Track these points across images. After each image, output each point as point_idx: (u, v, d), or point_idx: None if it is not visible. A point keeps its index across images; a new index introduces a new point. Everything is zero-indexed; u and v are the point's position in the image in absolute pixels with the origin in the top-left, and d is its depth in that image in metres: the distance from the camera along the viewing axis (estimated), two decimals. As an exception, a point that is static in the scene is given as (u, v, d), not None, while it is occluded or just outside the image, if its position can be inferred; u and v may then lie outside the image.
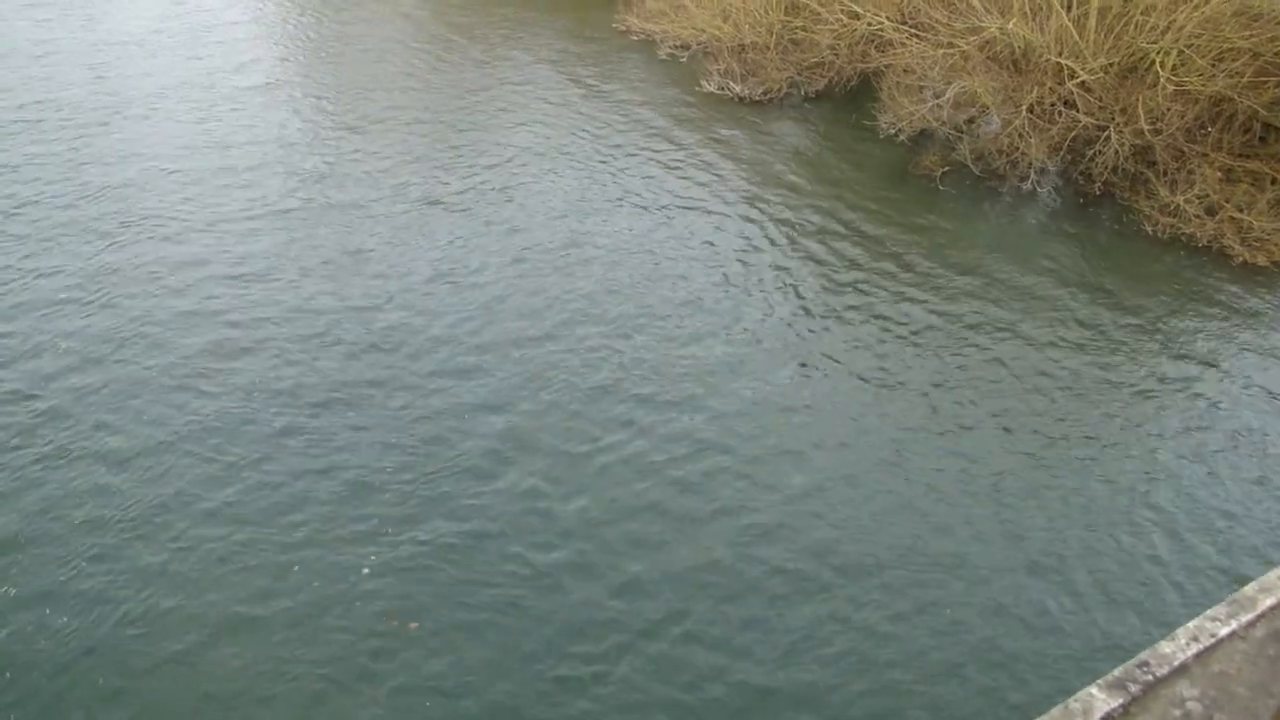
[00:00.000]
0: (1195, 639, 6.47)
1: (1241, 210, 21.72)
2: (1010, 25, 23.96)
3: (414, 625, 12.66)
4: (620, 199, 23.64)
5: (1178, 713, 6.16)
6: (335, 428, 16.07)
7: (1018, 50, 24.89)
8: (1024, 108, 23.98)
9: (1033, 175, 23.88)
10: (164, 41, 35.17)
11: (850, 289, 20.30)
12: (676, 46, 32.53)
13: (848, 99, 28.63)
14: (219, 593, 13.13)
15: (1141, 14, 22.90)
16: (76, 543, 13.86)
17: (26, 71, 31.77)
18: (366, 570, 13.46)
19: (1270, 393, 17.57)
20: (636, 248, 21.57)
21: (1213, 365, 18.31)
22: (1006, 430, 16.51)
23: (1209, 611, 6.68)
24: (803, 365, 18.04)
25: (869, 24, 27.36)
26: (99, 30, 36.35)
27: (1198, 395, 17.53)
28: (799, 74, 29.40)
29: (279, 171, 24.80)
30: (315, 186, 24.04)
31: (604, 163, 25.46)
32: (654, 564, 13.80)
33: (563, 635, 12.74)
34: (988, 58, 25.25)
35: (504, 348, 18.17)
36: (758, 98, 29.03)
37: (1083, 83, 23.54)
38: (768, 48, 29.87)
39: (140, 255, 20.98)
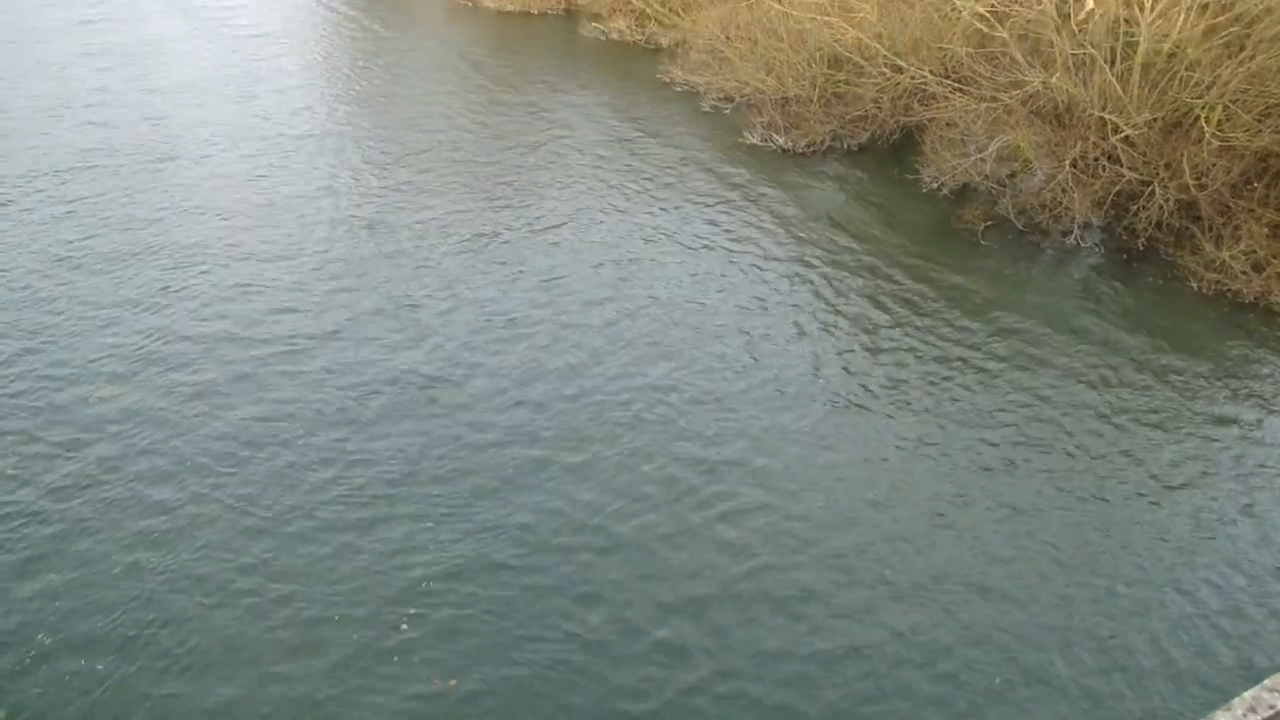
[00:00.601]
0: (1253, 710, 6.42)
1: (1289, 266, 21.58)
2: (1053, 79, 24.06)
3: (452, 683, 12.70)
4: (664, 249, 23.86)
5: (1236, 785, 6.11)
6: (373, 472, 16.26)
7: (1061, 104, 24.97)
8: (1067, 162, 24.01)
9: (1076, 230, 23.85)
10: (218, 90, 36.07)
11: (893, 338, 20.32)
12: (720, 98, 32.90)
13: (890, 152, 28.79)
14: (253, 646, 13.25)
15: (1186, 69, 22.92)
16: (108, 566, 14.12)
17: (84, 117, 32.70)
18: (405, 626, 13.51)
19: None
20: (681, 297, 21.74)
21: (1265, 413, 18.14)
22: (1051, 475, 16.42)
23: (1266, 681, 6.63)
24: (846, 409, 18.10)
25: (912, 77, 27.55)
26: (154, 78, 37.37)
27: (1251, 441, 17.39)
28: (842, 127, 29.62)
29: (327, 219, 25.28)
30: (363, 234, 24.47)
31: (648, 212, 25.73)
32: (696, 597, 13.83)
33: (606, 683, 12.79)
34: (1031, 112, 25.34)
35: (547, 393, 18.34)
36: (801, 150, 29.26)
37: (1126, 138, 23.56)
38: (811, 100, 30.15)
39: (187, 300, 21.43)
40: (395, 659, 13.04)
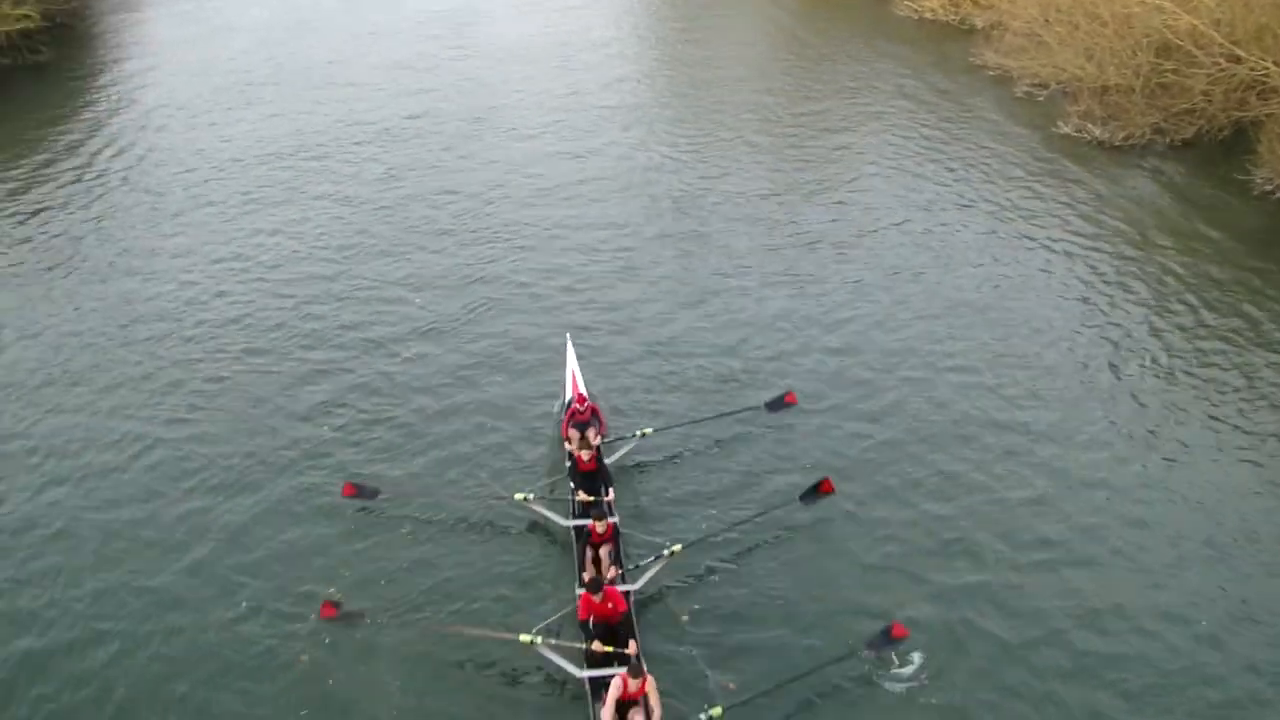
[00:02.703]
0: None
1: None
2: None
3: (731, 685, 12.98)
4: (968, 241, 23.65)
5: None
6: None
7: None
8: None
9: None
10: (536, 58, 38.15)
11: (1214, 355, 19.17)
12: (1034, 84, 31.74)
13: (1219, 149, 26.86)
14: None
15: None
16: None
17: (408, 82, 35.68)
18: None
19: None
20: (981, 290, 21.61)
21: None
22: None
23: None
24: (1158, 422, 17.43)
25: (1251, 69, 25.61)
26: (476, 45, 39.92)
27: None
28: (1165, 120, 27.91)
29: (635, 195, 26.42)
30: (669, 211, 25.43)
31: (955, 203, 25.53)
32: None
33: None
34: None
35: (853, 395, 18.68)
36: (1117, 143, 27.87)
37: None
38: (1132, 90, 28.57)
39: (490, 261, 23.33)
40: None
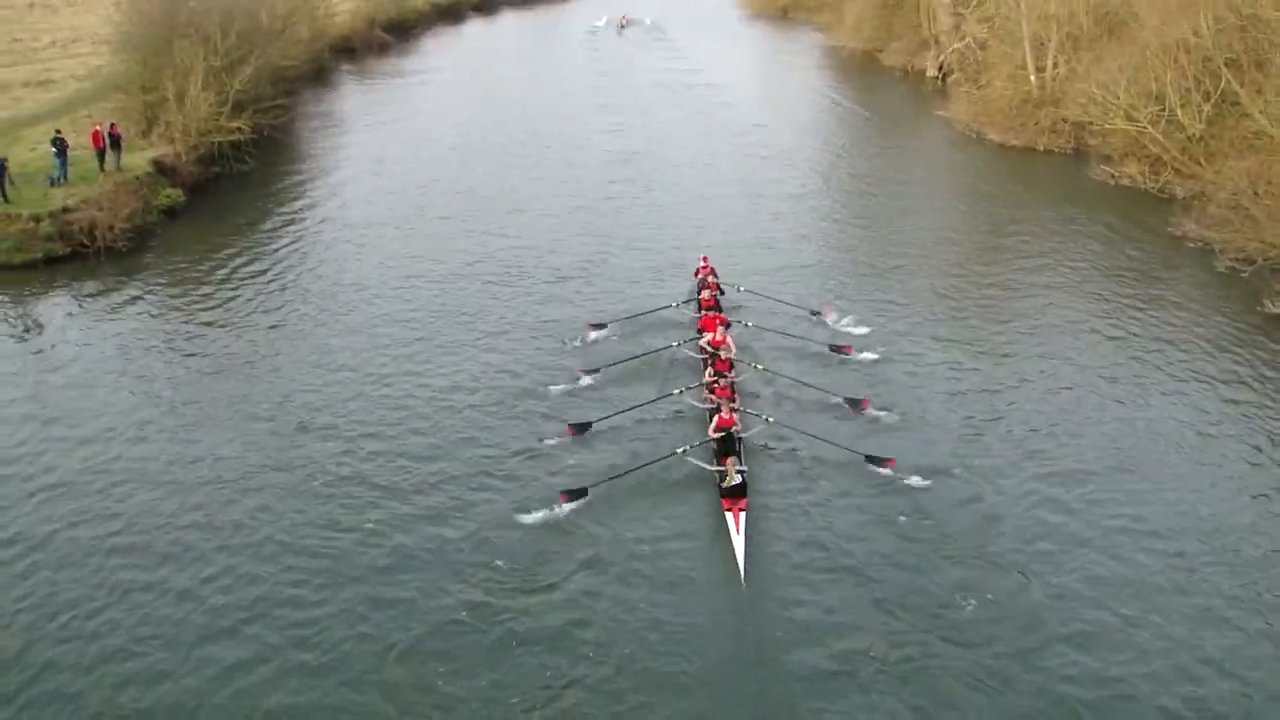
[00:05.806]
0: None
1: None
2: None
3: None
4: (1158, 421, 22.45)
5: None
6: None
7: None
8: None
9: None
10: (723, 205, 38.75)
11: None
12: (1238, 259, 30.44)
13: None
14: None
15: None
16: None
17: (592, 226, 36.01)
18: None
19: None
20: (1171, 479, 20.39)
21: None
22: None
23: None
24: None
25: None
26: (662, 184, 40.59)
27: None
28: (1384, 305, 26.31)
29: (813, 355, 25.95)
30: (848, 376, 25.02)
31: (1148, 388, 24.17)
32: None
33: None
34: None
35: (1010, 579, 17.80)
36: (1331, 326, 26.38)
37: None
38: (1351, 272, 27.12)
39: (664, 422, 22.96)
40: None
